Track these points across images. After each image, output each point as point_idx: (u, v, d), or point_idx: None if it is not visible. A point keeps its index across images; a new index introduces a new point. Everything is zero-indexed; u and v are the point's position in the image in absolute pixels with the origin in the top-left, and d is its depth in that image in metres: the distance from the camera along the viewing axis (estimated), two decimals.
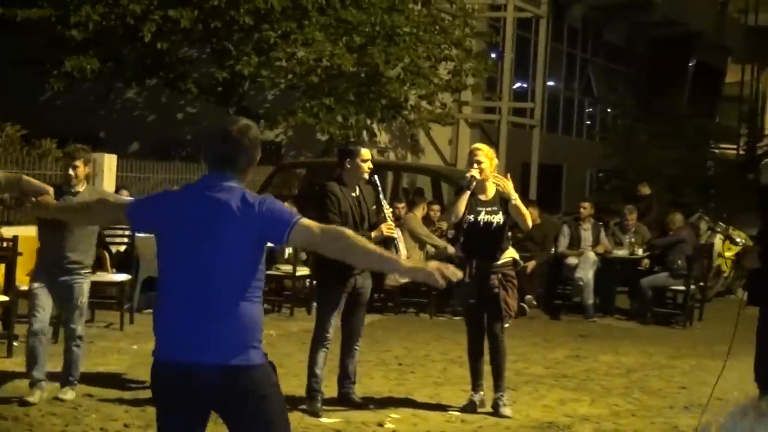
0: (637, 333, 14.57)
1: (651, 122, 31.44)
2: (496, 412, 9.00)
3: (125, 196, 14.96)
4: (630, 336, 14.17)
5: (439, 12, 22.88)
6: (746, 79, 47.00)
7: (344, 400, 9.05)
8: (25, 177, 5.74)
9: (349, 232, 4.67)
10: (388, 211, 8.99)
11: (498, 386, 9.11)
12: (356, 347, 9.13)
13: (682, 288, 15.48)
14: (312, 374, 8.79)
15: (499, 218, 9.00)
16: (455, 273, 4.52)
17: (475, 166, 8.95)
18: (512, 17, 28.57)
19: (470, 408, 9.06)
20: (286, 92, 21.89)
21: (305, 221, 4.64)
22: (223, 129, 4.80)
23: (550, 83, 33.88)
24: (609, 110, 35.53)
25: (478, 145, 9.39)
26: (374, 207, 9.03)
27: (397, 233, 9.28)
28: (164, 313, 4.73)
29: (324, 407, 8.81)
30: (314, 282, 13.29)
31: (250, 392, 4.59)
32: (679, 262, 15.53)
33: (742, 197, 31.86)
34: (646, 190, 20.96)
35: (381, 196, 9.04)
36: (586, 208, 16.59)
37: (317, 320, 8.94)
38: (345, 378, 9.10)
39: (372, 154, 9.19)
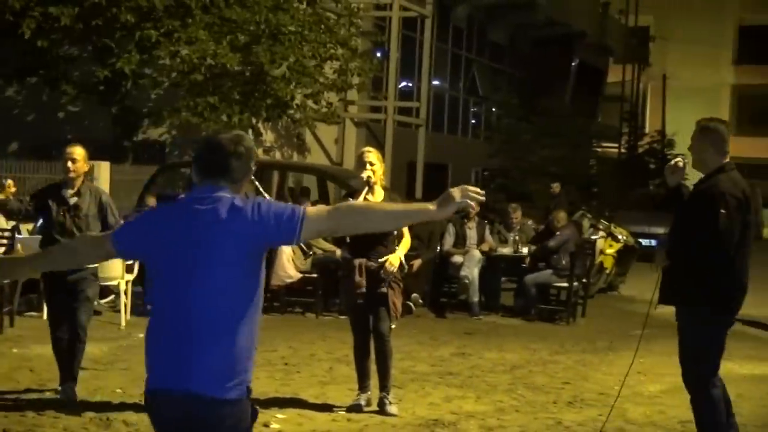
0: (521, 330, 14.70)
1: (534, 121, 31.83)
2: (382, 410, 9.00)
3: None
4: (514, 333, 14.30)
5: (325, 11, 22.85)
6: (627, 79, 47.85)
7: None
8: None
9: (357, 201, 4.39)
10: None
11: (384, 386, 9.12)
12: None
13: (566, 285, 15.67)
14: None
15: None
16: (478, 193, 4.29)
17: (368, 167, 8.99)
18: (397, 17, 28.69)
19: (356, 408, 9.05)
20: (169, 91, 21.66)
21: (311, 210, 4.36)
22: (215, 138, 4.51)
23: (436, 83, 34.09)
24: (493, 110, 35.89)
25: (367, 148, 9.52)
26: None
27: None
28: (153, 340, 4.40)
29: None
30: None
31: (217, 428, 4.27)
32: (564, 261, 15.70)
33: (624, 195, 32.53)
34: (558, 188, 21.37)
35: (261, 190, 9.00)
36: (474, 207, 16.69)
37: None
38: None
39: (257, 154, 9.15)
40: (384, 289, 9.02)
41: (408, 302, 15.30)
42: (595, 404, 9.78)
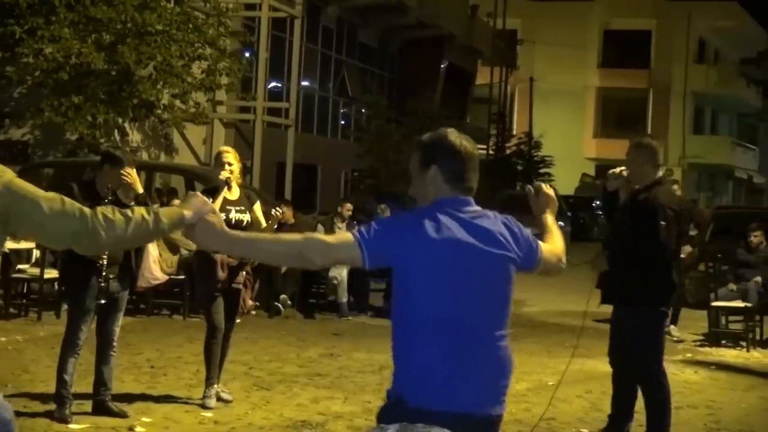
0: (390, 330, 14.71)
1: (404, 122, 31.99)
2: (221, 399, 9.27)
3: None
4: (383, 334, 14.21)
5: (193, 10, 22.66)
6: (495, 81, 48.45)
7: (100, 408, 8.77)
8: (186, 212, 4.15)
9: (553, 244, 4.48)
10: None
11: (219, 378, 9.32)
12: (112, 353, 8.87)
13: None
14: (61, 381, 8.51)
15: (247, 217, 9.30)
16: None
17: (227, 167, 9.23)
18: (267, 17, 28.61)
19: (209, 403, 9.07)
20: (33, 89, 21.26)
21: (543, 246, 4.43)
22: (472, 145, 4.25)
23: (305, 83, 34.09)
24: (363, 110, 36.01)
25: (224, 147, 9.84)
26: None
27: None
28: (426, 356, 4.26)
29: (74, 412, 8.55)
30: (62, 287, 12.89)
31: None
32: None
33: (491, 196, 32.88)
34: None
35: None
36: (349, 209, 16.89)
37: (68, 326, 8.64)
38: (101, 385, 8.79)
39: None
40: (239, 285, 9.30)
41: (276, 303, 15.29)
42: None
